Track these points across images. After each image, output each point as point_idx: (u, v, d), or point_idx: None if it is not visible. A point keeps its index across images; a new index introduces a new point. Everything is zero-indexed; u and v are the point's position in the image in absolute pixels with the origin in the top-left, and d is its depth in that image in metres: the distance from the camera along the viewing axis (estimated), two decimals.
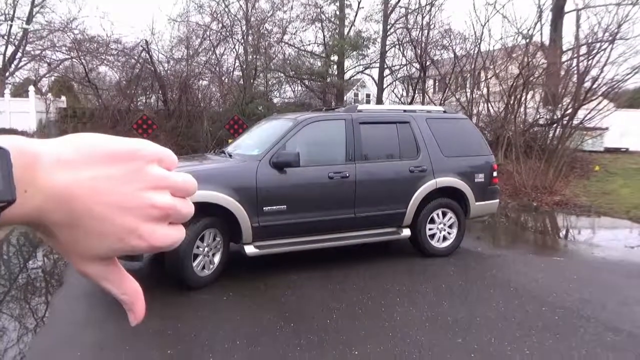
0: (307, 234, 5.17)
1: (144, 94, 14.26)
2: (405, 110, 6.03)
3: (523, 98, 14.11)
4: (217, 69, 14.26)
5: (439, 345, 3.53)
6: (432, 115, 6.04)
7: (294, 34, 15.71)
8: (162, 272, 4.76)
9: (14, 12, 25.57)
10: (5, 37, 25.68)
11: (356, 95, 32.32)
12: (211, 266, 4.78)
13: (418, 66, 16.23)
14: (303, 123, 5.29)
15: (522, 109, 15.04)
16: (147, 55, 14.01)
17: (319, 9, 15.31)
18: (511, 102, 14.01)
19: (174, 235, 0.43)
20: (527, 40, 13.91)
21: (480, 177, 6.03)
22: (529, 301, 4.41)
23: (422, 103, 16.01)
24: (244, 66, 14.44)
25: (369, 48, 15.47)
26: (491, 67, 15.73)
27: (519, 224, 8.72)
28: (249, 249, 4.88)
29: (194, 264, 4.59)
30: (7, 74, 25.12)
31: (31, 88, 15.57)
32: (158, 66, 14.08)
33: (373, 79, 19.44)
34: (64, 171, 0.37)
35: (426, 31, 15.57)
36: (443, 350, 3.44)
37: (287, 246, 5.07)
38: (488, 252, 6.28)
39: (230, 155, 5.41)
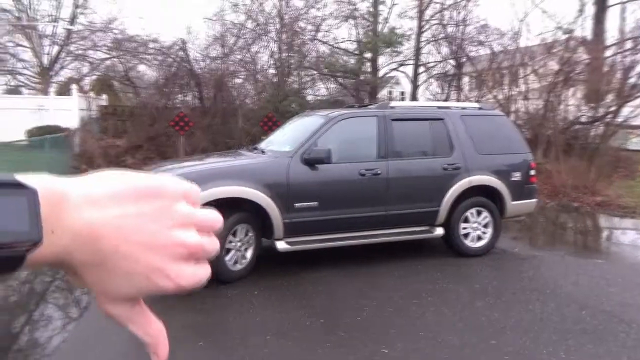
0: (338, 231, 5.15)
1: (180, 91, 14.52)
2: (439, 107, 5.94)
3: (563, 95, 13.65)
4: (252, 66, 14.39)
5: (471, 346, 3.45)
6: (466, 112, 5.91)
7: (327, 31, 15.69)
8: None
9: (59, 13, 26.61)
10: (51, 38, 26.74)
11: (390, 92, 32.06)
12: (243, 261, 4.83)
13: (453, 63, 15.94)
14: (335, 120, 5.27)
15: (562, 106, 14.59)
16: (183, 53, 14.28)
17: (352, 6, 15.22)
18: (550, 99, 13.58)
19: (200, 274, 0.42)
20: (568, 34, 13.43)
21: (516, 176, 5.86)
22: (567, 304, 4.26)
23: (458, 100, 15.72)
24: (278, 64, 14.52)
25: (402, 45, 15.26)
26: (530, 63, 15.31)
27: (559, 225, 8.44)
28: (281, 245, 4.91)
29: (227, 258, 4.65)
30: (52, 73, 26.16)
31: (74, 86, 16.13)
32: (194, 64, 14.32)
33: (407, 76, 19.22)
34: (91, 209, 0.37)
35: (462, 27, 15.24)
36: (475, 352, 3.37)
37: (318, 243, 5.07)
38: (525, 252, 6.10)
39: (263, 152, 5.46)
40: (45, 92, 19.59)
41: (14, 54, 26.91)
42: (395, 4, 16.49)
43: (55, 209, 0.35)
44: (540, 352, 3.37)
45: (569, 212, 9.32)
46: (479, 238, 5.76)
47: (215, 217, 0.43)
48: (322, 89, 16.69)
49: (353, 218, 5.14)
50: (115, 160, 11.92)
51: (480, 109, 6.21)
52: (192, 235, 0.40)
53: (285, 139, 5.58)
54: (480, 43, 15.81)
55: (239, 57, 14.41)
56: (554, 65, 14.49)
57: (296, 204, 4.88)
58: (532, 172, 6.00)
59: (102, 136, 13.67)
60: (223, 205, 4.64)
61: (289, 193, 4.84)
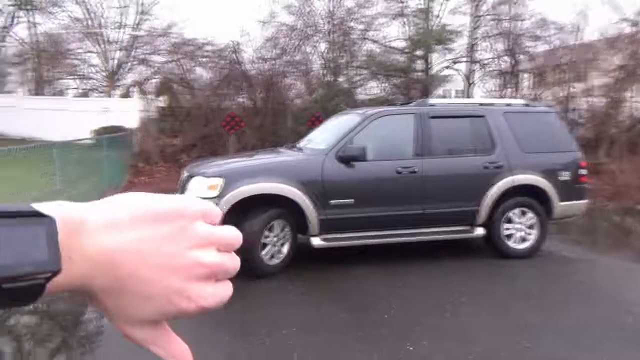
0: (374, 229, 5.15)
1: (233, 92, 14.94)
2: (480, 104, 5.78)
3: (628, 91, 12.83)
4: (301, 67, 14.58)
5: (502, 348, 3.36)
6: (510, 109, 5.72)
7: (377, 29, 15.61)
8: None
9: (124, 20, 28.13)
10: (117, 44, 28.31)
11: (447, 90, 31.39)
12: (280, 256, 4.93)
13: (509, 59, 15.39)
14: (371, 117, 5.27)
15: (627, 104, 13.71)
16: (236, 55, 14.69)
17: (402, 4, 15.05)
18: (614, 95, 12.80)
19: (222, 293, 0.41)
20: (635, 27, 12.60)
21: (565, 175, 5.60)
22: (614, 309, 4.03)
23: (514, 98, 15.16)
24: (327, 63, 14.62)
25: (454, 41, 14.90)
26: (592, 58, 14.50)
27: (617, 228, 7.97)
28: (316, 241, 4.97)
29: (263, 253, 4.77)
30: (118, 76, 27.69)
31: (134, 89, 16.97)
32: (246, 66, 14.70)
33: (461, 73, 18.75)
34: (109, 234, 0.37)
35: (517, 22, 14.67)
36: (505, 354, 3.27)
37: (353, 240, 5.09)
38: (576, 256, 5.82)
39: (300, 149, 5.54)
40: (115, 94, 20.81)
41: (84, 59, 28.75)
42: (448, 0, 16.20)
43: (73, 236, 0.35)
44: (578, 357, 3.22)
45: (630, 214, 8.77)
46: (523, 239, 5.55)
47: (234, 234, 0.42)
48: (373, 88, 16.64)
49: (389, 216, 5.11)
50: (171, 159, 12.45)
51: (526, 105, 5.98)
52: (212, 254, 0.40)
53: (322, 137, 5.64)
54: (537, 38, 15.15)
55: (289, 57, 14.62)
56: (617, 60, 13.66)
57: (331, 201, 4.93)
58: (582, 172, 5.71)
59: (160, 136, 14.32)
60: (260, 201, 4.78)
61: (324, 190, 4.90)
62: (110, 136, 12.04)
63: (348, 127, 5.29)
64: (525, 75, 17.45)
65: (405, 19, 15.54)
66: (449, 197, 5.28)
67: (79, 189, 7.56)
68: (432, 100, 5.74)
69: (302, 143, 5.89)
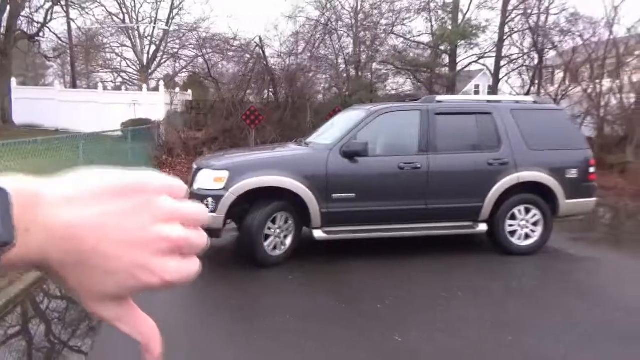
0: (376, 223, 5.26)
1: (256, 87, 15.19)
2: (488, 101, 5.79)
3: None
4: (324, 62, 14.69)
5: (487, 341, 3.44)
6: (518, 106, 5.71)
7: (402, 24, 15.57)
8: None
9: (157, 15, 28.82)
10: (149, 38, 29.04)
11: (477, 87, 30.91)
12: (282, 247, 5.10)
13: (536, 55, 15.10)
14: (376, 114, 5.36)
15: None
16: (260, 50, 14.92)
17: None
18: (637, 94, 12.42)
19: (188, 268, 0.40)
20: None
21: (572, 173, 5.56)
22: (607, 307, 4.03)
23: (538, 94, 14.88)
24: (349, 58, 14.69)
25: (478, 37, 14.72)
26: (624, 54, 14.08)
27: (631, 227, 7.82)
28: (318, 234, 5.11)
29: (265, 244, 4.95)
30: (150, 70, 28.43)
31: (161, 83, 17.46)
32: (270, 60, 14.92)
33: (489, 69, 18.51)
34: (69, 208, 0.36)
35: (546, 16, 14.38)
36: (489, 347, 3.36)
37: (355, 233, 5.21)
38: (583, 254, 5.78)
39: (307, 144, 5.69)
40: (148, 88, 21.45)
41: (119, 53, 29.63)
42: None
43: (30, 208, 0.35)
44: (558, 352, 3.28)
45: None
46: (527, 236, 5.56)
47: (200, 210, 0.41)
48: (397, 83, 16.63)
49: (391, 210, 5.21)
50: (194, 151, 12.79)
51: (534, 102, 5.96)
52: (177, 229, 0.39)
53: (330, 133, 5.76)
54: (565, 33, 14.80)
55: (312, 52, 14.76)
56: None
57: (334, 195, 5.06)
58: (591, 170, 5.66)
59: (185, 129, 14.71)
60: (265, 194, 4.96)
61: (327, 184, 5.03)
62: (136, 128, 12.46)
63: (353, 123, 5.40)
64: (552, 72, 17.09)
65: (430, 14, 15.43)
66: (452, 193, 5.33)
67: None
68: (439, 97, 5.78)
69: (310, 138, 6.03)
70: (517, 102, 5.94)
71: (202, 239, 0.41)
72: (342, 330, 3.59)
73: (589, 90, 14.41)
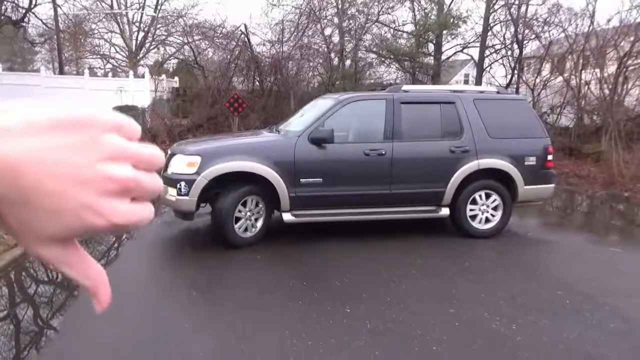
0: (343, 207, 5.52)
1: (241, 74, 15.33)
2: (453, 91, 6.04)
3: (633, 81, 12.74)
4: (307, 50, 14.85)
5: (429, 313, 3.73)
6: (481, 96, 5.97)
7: (386, 13, 15.72)
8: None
9: (145, 1, 28.67)
10: (137, 24, 28.91)
11: (466, 76, 31.14)
12: (253, 229, 5.36)
13: (517, 45, 15.34)
14: (343, 102, 5.60)
15: (633, 92, 13.61)
16: (245, 38, 15.04)
17: None
18: (617, 85, 12.74)
19: (138, 212, 0.38)
20: None
21: (531, 160, 5.86)
22: (550, 286, 4.35)
23: (517, 84, 15.17)
24: (331, 47, 14.85)
25: (459, 27, 14.93)
26: (603, 45, 14.36)
27: (595, 213, 8.17)
28: (287, 217, 5.38)
29: (236, 226, 5.20)
30: (138, 57, 28.34)
31: (146, 70, 17.53)
32: (254, 48, 15.05)
33: (473, 59, 18.73)
34: (7, 141, 0.34)
35: (524, 7, 14.59)
36: (429, 318, 3.64)
37: (322, 216, 5.48)
38: (539, 237, 6.10)
39: (278, 131, 5.92)
40: (135, 74, 21.46)
41: (107, 39, 29.48)
42: None
43: None
44: (492, 323, 3.58)
45: (615, 202, 8.92)
46: (488, 220, 5.86)
47: (153, 152, 0.39)
48: (381, 72, 16.82)
49: (357, 195, 5.48)
50: (178, 138, 12.96)
51: (497, 92, 6.23)
52: (124, 169, 0.37)
53: (300, 120, 6.00)
54: (547, 23, 15.05)
55: (296, 41, 14.90)
56: (627, 47, 13.53)
57: (302, 180, 5.31)
58: (549, 157, 5.95)
59: (170, 116, 14.85)
60: (237, 179, 5.20)
61: (294, 169, 5.28)
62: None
63: (321, 111, 5.64)
64: (534, 62, 17.34)
65: (413, 3, 15.61)
66: (415, 178, 5.61)
67: None
68: (405, 87, 6.02)
69: (281, 126, 6.26)
70: (480, 92, 6.21)
71: (155, 183, 0.39)
72: (298, 304, 3.86)
73: (570, 82, 14.71)
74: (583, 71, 14.79)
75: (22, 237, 0.37)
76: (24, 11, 17.89)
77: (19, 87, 19.72)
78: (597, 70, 14.44)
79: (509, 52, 16.34)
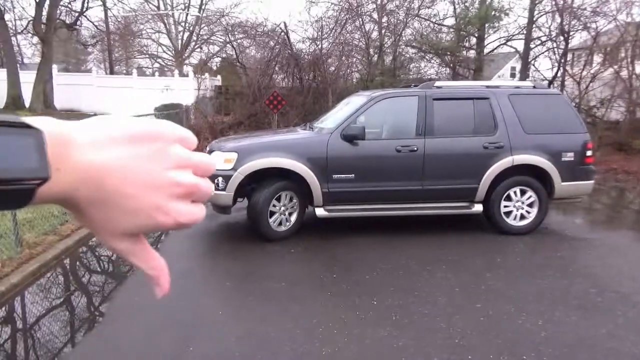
0: (375, 202, 5.61)
1: (281, 72, 15.59)
2: (487, 87, 6.00)
3: None
4: (347, 47, 14.92)
5: (455, 306, 3.79)
6: (516, 91, 5.90)
7: (427, 7, 15.57)
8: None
9: (190, 1, 29.51)
10: (183, 25, 29.80)
11: (513, 69, 30.35)
12: (287, 223, 5.54)
13: (564, 37, 14.82)
14: (376, 99, 5.68)
15: None
16: (285, 36, 15.28)
17: None
18: None
19: (197, 212, 0.45)
20: None
21: (569, 156, 5.74)
22: (582, 282, 4.30)
23: (563, 77, 14.67)
24: (373, 43, 14.86)
25: (502, 19, 14.56)
26: None
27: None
28: (320, 212, 5.53)
29: (271, 220, 5.40)
30: (184, 56, 29.23)
31: (190, 69, 18.08)
32: (294, 45, 15.26)
33: (518, 52, 18.24)
34: (95, 151, 0.40)
35: None
36: (455, 311, 3.70)
37: (354, 212, 5.59)
38: (577, 235, 5.97)
39: (312, 129, 6.07)
40: (180, 73, 22.25)
41: (155, 39, 30.57)
42: None
43: (61, 149, 0.38)
44: (518, 318, 3.60)
45: None
46: (523, 217, 5.80)
47: (209, 161, 0.46)
48: (418, 67, 16.67)
49: (388, 191, 5.55)
50: (220, 135, 13.36)
51: (534, 87, 6.13)
52: (188, 175, 0.43)
53: (334, 117, 6.11)
54: (597, 13, 14.45)
55: (335, 37, 15.00)
56: None
57: (334, 176, 5.44)
58: (588, 153, 5.82)
59: (213, 113, 15.31)
60: (272, 174, 5.39)
61: (327, 165, 5.42)
62: (167, 112, 13.12)
63: (354, 108, 5.74)
64: (591, 53, 16.68)
65: None
66: (448, 174, 5.62)
67: None
68: (438, 83, 6.02)
69: (316, 123, 6.41)
70: (516, 87, 6.13)
71: (209, 187, 0.46)
72: (327, 296, 4.01)
73: (621, 73, 14.09)
74: (636, 62, 14.15)
75: (101, 232, 0.43)
76: (76, 15, 18.87)
77: (72, 87, 20.84)
78: None
79: (555, 45, 15.82)
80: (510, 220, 5.79)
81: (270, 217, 5.41)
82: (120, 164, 0.40)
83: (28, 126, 0.36)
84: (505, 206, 5.76)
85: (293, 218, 5.57)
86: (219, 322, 3.55)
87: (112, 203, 0.41)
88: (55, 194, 0.39)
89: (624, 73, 14.09)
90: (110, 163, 0.40)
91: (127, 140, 0.41)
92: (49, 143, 0.37)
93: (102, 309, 4.05)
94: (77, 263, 5.15)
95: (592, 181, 5.94)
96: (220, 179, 5.28)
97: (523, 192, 5.78)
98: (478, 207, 5.74)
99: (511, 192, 5.76)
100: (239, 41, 18.16)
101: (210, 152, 5.62)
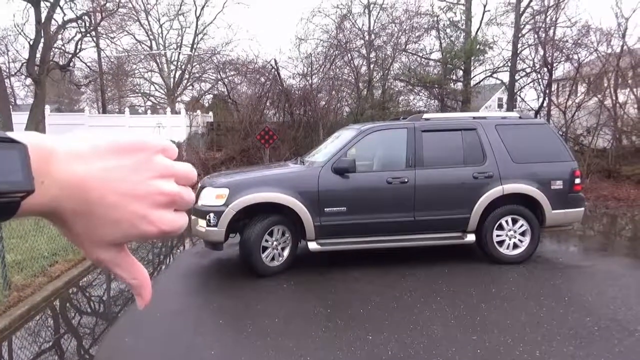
0: (367, 234, 5.61)
1: (272, 107, 15.79)
2: (474, 117, 6.11)
3: None
4: (336, 82, 15.20)
5: (450, 339, 3.74)
6: (503, 122, 6.01)
7: (413, 42, 15.97)
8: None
9: (182, 40, 30.07)
10: (175, 63, 30.27)
11: (500, 99, 30.97)
12: (280, 258, 5.50)
13: (547, 68, 15.21)
14: (365, 132, 5.76)
15: None
16: (275, 72, 15.55)
17: (435, 17, 15.36)
18: None
19: (180, 220, 0.45)
20: None
21: (557, 184, 5.81)
22: (578, 312, 4.27)
23: (549, 107, 14.98)
24: (359, 77, 15.15)
25: (486, 53, 14.96)
26: (637, 64, 14.08)
27: (633, 238, 7.90)
28: (312, 245, 5.50)
29: (264, 255, 5.36)
30: (177, 94, 29.56)
31: (182, 106, 18.26)
32: (284, 82, 15.52)
33: (504, 84, 18.66)
34: (78, 163, 0.40)
35: (552, 29, 14.53)
36: (450, 344, 3.66)
37: (347, 244, 5.57)
38: (571, 262, 5.97)
39: (303, 163, 6.11)
40: (172, 111, 22.44)
41: (147, 78, 30.95)
42: (487, 11, 16.31)
43: (44, 162, 0.38)
44: (516, 350, 3.56)
45: None
46: (515, 246, 5.81)
47: (190, 170, 0.47)
48: (409, 101, 16.96)
49: (380, 223, 5.56)
50: (212, 170, 13.39)
51: (520, 117, 6.25)
52: (171, 184, 0.44)
53: (325, 151, 6.17)
54: (578, 45, 14.90)
55: (324, 73, 15.29)
56: None
57: (326, 209, 5.45)
58: (577, 181, 5.89)
59: (204, 149, 15.37)
60: (264, 209, 5.39)
61: (319, 199, 5.43)
62: None
63: (344, 142, 5.81)
64: (576, 84, 17.08)
65: (439, 32, 15.80)
66: (439, 205, 5.65)
67: None
68: (426, 115, 6.13)
69: (307, 157, 6.46)
70: (503, 117, 6.25)
71: (191, 196, 0.46)
72: (321, 331, 3.95)
73: (605, 102, 14.42)
74: (618, 91, 14.52)
75: (85, 244, 0.44)
76: (70, 56, 19.10)
77: (65, 127, 20.89)
78: (634, 89, 14.15)
79: (539, 76, 16.21)
80: (503, 250, 5.79)
81: (263, 252, 5.37)
82: (103, 176, 0.41)
83: (12, 140, 0.37)
84: (497, 235, 5.78)
85: (286, 253, 5.54)
86: None
87: (97, 213, 0.41)
88: (40, 206, 0.39)
89: (608, 102, 14.43)
90: (94, 174, 0.40)
91: (111, 153, 0.42)
92: (33, 156, 0.37)
93: (92, 351, 3.96)
94: (67, 304, 5.05)
95: (582, 208, 6.00)
96: (211, 214, 5.27)
97: (515, 221, 5.81)
98: (471, 237, 5.75)
99: (503, 221, 5.78)
100: (230, 78, 18.43)
101: (202, 188, 5.62)
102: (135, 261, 0.47)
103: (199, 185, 5.87)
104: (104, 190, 0.41)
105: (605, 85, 14.83)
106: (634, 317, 4.13)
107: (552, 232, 6.72)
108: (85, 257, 6.05)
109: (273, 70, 15.55)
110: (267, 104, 15.37)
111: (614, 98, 14.24)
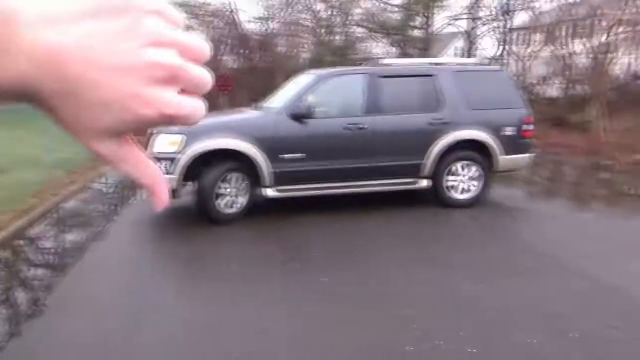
0: (324, 181, 5.65)
1: (231, 53, 15.28)
2: (433, 64, 6.12)
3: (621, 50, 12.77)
4: (296, 26, 14.79)
5: (401, 276, 3.90)
6: (461, 68, 6.06)
7: None
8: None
9: None
10: None
11: (458, 49, 31.06)
12: (237, 205, 5.49)
13: (503, 17, 15.31)
14: (323, 78, 5.69)
15: (624, 61, 13.67)
16: (233, 16, 14.95)
17: None
18: (606, 53, 12.78)
19: (188, 104, 0.36)
20: None
21: (509, 130, 5.98)
22: (519, 249, 4.53)
23: (507, 56, 15.18)
24: (321, 22, 14.80)
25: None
26: (592, 14, 14.35)
27: (576, 182, 8.33)
28: (269, 192, 5.51)
29: (219, 202, 5.33)
30: None
31: None
32: (242, 26, 14.97)
33: (465, 31, 18.66)
34: (50, 28, 0.32)
35: None
36: (395, 278, 3.83)
37: (304, 191, 5.61)
38: (518, 205, 6.26)
39: (260, 108, 6.00)
40: None
41: None
42: None
43: (6, 27, 0.31)
44: (459, 284, 3.75)
45: (598, 170, 9.07)
46: (467, 190, 6.01)
47: (200, 43, 0.37)
48: (371, 47, 16.76)
49: (337, 169, 5.60)
50: None
51: (476, 64, 6.31)
52: (169, 54, 0.35)
53: (282, 97, 6.07)
54: None
55: (283, 17, 14.82)
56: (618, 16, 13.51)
57: (282, 156, 5.42)
58: (526, 127, 6.07)
59: None
60: (220, 156, 5.31)
61: (275, 145, 5.38)
62: None
63: (302, 87, 5.72)
64: (523, 33, 17.29)
65: None
66: (395, 151, 5.73)
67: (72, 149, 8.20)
68: (385, 61, 6.10)
69: (264, 103, 6.34)
70: (460, 64, 6.29)
71: (204, 75, 0.37)
72: (277, 274, 4.03)
73: (559, 52, 14.71)
74: (572, 41, 14.81)
75: (78, 133, 0.36)
76: None
77: None
78: (586, 39, 14.46)
79: (499, 24, 16.30)
80: (454, 194, 5.99)
81: (219, 199, 5.34)
82: (82, 44, 0.33)
83: None
84: (450, 180, 5.95)
85: (241, 200, 5.52)
86: (168, 306, 3.50)
87: (80, 94, 0.33)
88: (10, 84, 0.32)
89: (562, 51, 14.74)
90: (70, 44, 0.32)
91: (89, 15, 0.33)
92: None
93: (46, 301, 3.90)
94: (17, 256, 4.92)
95: (530, 154, 6.22)
96: (166, 162, 5.16)
97: (467, 167, 5.98)
98: (424, 182, 5.89)
99: (456, 166, 5.94)
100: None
101: (156, 134, 5.46)
102: (143, 157, 0.40)
103: (155, 131, 5.69)
104: (84, 64, 0.33)
105: (560, 35, 15.10)
106: (569, 253, 4.41)
107: (502, 177, 6.98)
108: (33, 205, 5.86)
109: (231, 13, 14.93)
110: (224, 49, 14.83)
111: (567, 47, 14.55)
